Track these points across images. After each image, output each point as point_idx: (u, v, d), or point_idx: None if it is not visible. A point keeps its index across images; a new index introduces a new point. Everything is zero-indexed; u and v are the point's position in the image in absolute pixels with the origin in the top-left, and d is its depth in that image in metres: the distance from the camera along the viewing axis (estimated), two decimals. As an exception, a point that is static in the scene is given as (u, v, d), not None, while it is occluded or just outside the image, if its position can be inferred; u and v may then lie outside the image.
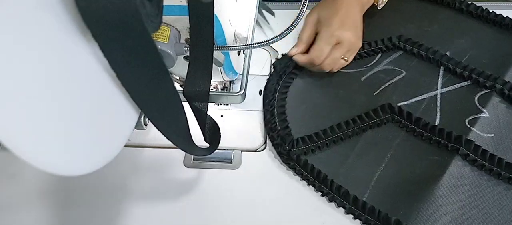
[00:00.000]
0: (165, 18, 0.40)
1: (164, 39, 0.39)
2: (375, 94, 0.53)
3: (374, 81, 0.55)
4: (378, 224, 0.43)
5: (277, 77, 0.55)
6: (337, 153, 0.49)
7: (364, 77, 0.55)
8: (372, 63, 0.57)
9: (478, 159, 0.46)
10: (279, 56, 0.58)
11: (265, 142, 0.52)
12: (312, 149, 0.49)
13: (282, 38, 0.40)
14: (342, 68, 0.56)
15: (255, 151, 0.51)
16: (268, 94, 0.54)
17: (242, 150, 0.51)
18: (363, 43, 0.57)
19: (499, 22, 0.59)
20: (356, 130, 0.50)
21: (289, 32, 0.40)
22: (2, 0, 0.19)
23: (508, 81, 0.52)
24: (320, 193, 0.46)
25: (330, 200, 0.46)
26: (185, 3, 0.39)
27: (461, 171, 0.46)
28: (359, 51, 0.56)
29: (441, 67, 0.55)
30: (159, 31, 0.39)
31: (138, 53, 0.26)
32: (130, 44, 0.25)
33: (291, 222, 0.45)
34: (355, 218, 0.44)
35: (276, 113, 0.52)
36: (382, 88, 0.54)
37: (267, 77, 0.57)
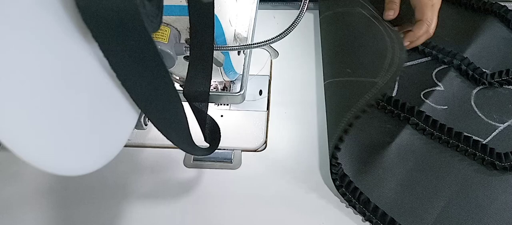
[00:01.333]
0: (165, 18, 0.40)
1: (164, 39, 0.39)
2: None
3: None
4: (336, 179, 0.45)
5: None
6: None
7: None
8: None
9: (427, 128, 0.49)
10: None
11: (265, 142, 0.52)
12: None
13: (282, 38, 0.40)
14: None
15: (255, 151, 0.51)
16: None
17: (242, 150, 0.51)
18: None
19: (465, 3, 0.62)
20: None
21: (289, 32, 0.40)
22: (1, 0, 0.19)
23: (467, 57, 0.54)
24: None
25: None
26: (185, 3, 0.39)
27: (410, 139, 0.49)
28: None
29: None
30: (159, 31, 0.39)
31: (138, 53, 0.26)
32: (130, 44, 0.25)
33: (291, 222, 0.45)
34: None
35: None
36: None
37: (267, 77, 0.57)
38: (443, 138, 0.48)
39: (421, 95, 0.52)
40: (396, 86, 0.54)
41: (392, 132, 0.49)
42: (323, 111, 0.53)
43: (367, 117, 0.51)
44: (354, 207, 0.44)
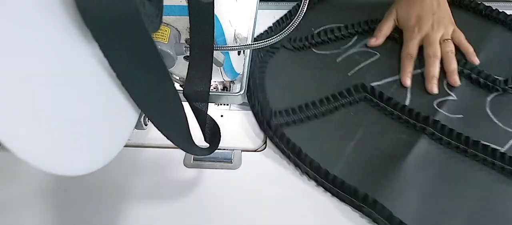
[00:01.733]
0: (165, 18, 0.40)
1: (164, 39, 0.39)
2: (349, 74, 0.56)
3: (349, 62, 0.57)
4: (348, 197, 0.45)
5: (255, 56, 0.56)
6: (311, 129, 0.51)
7: (339, 58, 0.58)
8: (348, 45, 0.59)
9: (444, 137, 0.48)
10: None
11: (265, 142, 0.52)
12: (287, 123, 0.51)
13: (282, 38, 0.41)
14: (319, 50, 0.59)
15: (255, 151, 0.51)
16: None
17: (242, 150, 0.51)
18: (340, 26, 0.60)
19: (473, 8, 0.61)
20: (330, 108, 0.52)
21: (289, 32, 0.40)
22: (1, 1, 0.19)
23: (476, 66, 0.54)
24: (314, 183, 0.47)
25: (302, 172, 0.47)
26: (185, 3, 0.39)
27: (427, 149, 0.48)
28: (336, 33, 0.60)
29: None
30: (159, 31, 0.39)
31: (138, 54, 0.26)
32: (130, 45, 0.25)
33: (291, 222, 0.45)
34: (325, 191, 0.46)
35: (257, 83, 0.54)
36: (356, 69, 0.56)
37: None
38: (460, 147, 0.47)
39: (435, 105, 0.52)
40: (409, 95, 0.53)
41: (408, 143, 0.48)
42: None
43: (381, 127, 0.50)
44: (376, 222, 0.43)
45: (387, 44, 0.59)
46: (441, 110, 0.51)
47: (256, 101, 0.52)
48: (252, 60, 0.53)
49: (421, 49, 0.56)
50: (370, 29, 0.60)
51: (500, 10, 0.60)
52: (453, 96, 0.52)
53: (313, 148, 0.48)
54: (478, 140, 0.47)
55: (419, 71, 0.55)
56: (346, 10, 0.63)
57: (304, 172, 0.47)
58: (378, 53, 0.58)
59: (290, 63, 0.58)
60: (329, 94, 0.53)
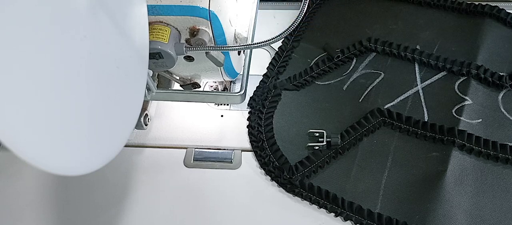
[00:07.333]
0: (165, 18, 0.40)
1: (164, 39, 0.39)
2: (360, 100, 0.53)
3: (356, 88, 0.54)
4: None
5: (258, 112, 0.53)
6: (339, 168, 0.48)
7: (345, 86, 0.55)
8: (350, 69, 0.56)
9: (475, 147, 0.47)
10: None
11: (265, 142, 0.52)
12: (313, 171, 0.47)
13: (282, 38, 0.41)
14: (322, 81, 0.56)
15: (255, 151, 0.51)
16: (252, 131, 0.51)
17: (242, 150, 0.51)
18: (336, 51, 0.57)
19: (457, 8, 0.60)
20: (352, 141, 0.49)
21: (289, 32, 0.40)
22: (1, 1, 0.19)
23: (482, 65, 0.53)
24: (333, 214, 0.45)
25: (346, 219, 0.44)
26: (185, 3, 0.39)
27: (462, 163, 0.47)
28: (334, 60, 0.57)
29: (415, 62, 0.56)
30: (159, 31, 0.39)
31: None
32: None
33: (291, 222, 0.45)
34: None
35: (266, 146, 0.50)
36: (365, 93, 0.54)
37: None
38: (491, 154, 0.46)
39: (454, 113, 0.50)
40: (425, 109, 0.51)
41: (441, 160, 0.47)
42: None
43: (409, 150, 0.48)
44: None
45: (387, 61, 0.57)
46: (462, 118, 0.49)
47: (270, 161, 0.48)
48: (253, 117, 0.51)
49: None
50: (366, 49, 0.58)
51: (484, 4, 0.59)
52: (468, 100, 0.51)
53: (347, 189, 0.46)
54: (506, 144, 0.46)
55: (427, 82, 0.53)
56: (336, 34, 0.60)
57: (347, 218, 0.44)
58: (382, 73, 0.55)
59: (297, 104, 0.54)
60: (348, 126, 0.50)
